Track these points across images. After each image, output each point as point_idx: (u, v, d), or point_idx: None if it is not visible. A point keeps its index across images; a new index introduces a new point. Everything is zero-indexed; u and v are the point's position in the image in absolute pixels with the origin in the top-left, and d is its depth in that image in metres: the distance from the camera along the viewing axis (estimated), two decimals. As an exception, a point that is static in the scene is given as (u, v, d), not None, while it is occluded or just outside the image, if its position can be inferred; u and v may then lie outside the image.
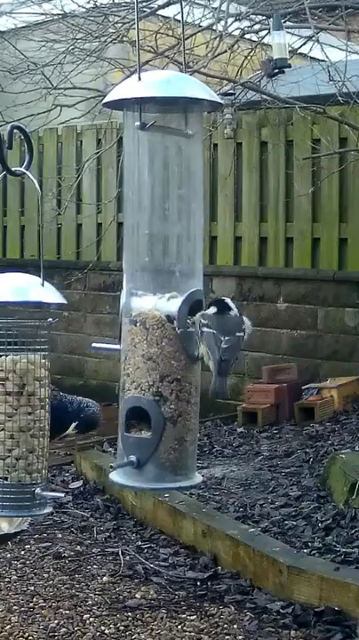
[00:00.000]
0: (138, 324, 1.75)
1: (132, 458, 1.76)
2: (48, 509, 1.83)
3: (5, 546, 4.06)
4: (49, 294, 1.77)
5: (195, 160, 1.78)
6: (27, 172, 1.82)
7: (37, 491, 1.78)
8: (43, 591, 3.76)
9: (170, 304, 1.76)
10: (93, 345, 1.88)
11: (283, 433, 5.90)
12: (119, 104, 1.77)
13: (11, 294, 1.75)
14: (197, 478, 1.85)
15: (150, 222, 1.78)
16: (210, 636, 3.37)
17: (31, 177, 1.81)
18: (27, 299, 1.75)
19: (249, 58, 6.32)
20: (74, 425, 2.30)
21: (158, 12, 6.35)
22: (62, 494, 1.86)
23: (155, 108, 1.75)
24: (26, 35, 7.27)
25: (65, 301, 1.82)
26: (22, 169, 1.82)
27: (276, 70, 4.80)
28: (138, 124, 1.72)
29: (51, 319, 1.81)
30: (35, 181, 1.83)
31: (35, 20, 7.19)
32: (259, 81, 6.18)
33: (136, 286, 1.78)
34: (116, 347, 1.81)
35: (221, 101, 1.76)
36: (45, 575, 3.94)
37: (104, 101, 1.78)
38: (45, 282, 1.78)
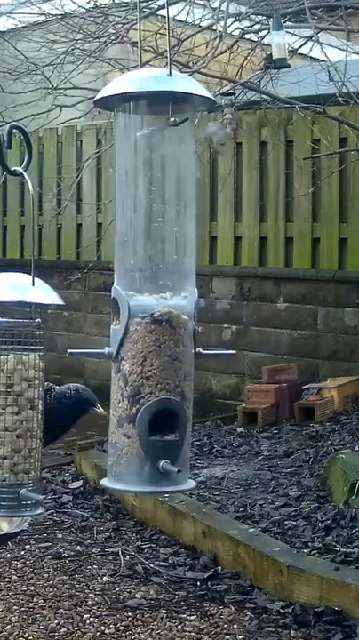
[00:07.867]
0: (164, 324, 1.73)
1: (164, 463, 1.72)
2: (40, 510, 1.81)
3: (5, 546, 4.06)
4: (39, 294, 1.75)
5: (187, 158, 1.77)
6: (25, 174, 1.80)
7: (22, 492, 1.76)
8: (43, 591, 3.76)
9: (185, 302, 1.75)
10: (69, 351, 1.83)
11: (283, 433, 5.89)
12: (107, 104, 1.76)
13: (2, 294, 1.73)
14: (192, 481, 1.83)
15: (141, 222, 1.77)
16: (210, 636, 3.36)
17: (27, 179, 1.80)
18: (16, 299, 1.73)
19: (249, 58, 6.33)
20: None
21: (158, 13, 6.35)
22: (42, 496, 1.80)
23: (144, 106, 1.73)
24: (26, 35, 7.28)
25: (60, 302, 1.78)
26: (20, 169, 1.81)
27: (274, 66, 4.80)
28: (138, 134, 1.71)
29: (39, 319, 1.78)
30: (31, 183, 1.81)
31: (34, 21, 7.19)
32: (259, 81, 6.18)
33: (133, 286, 1.77)
34: (98, 351, 1.77)
35: (210, 96, 1.74)
36: (45, 575, 3.94)
37: (94, 100, 1.77)
38: (40, 281, 1.76)
